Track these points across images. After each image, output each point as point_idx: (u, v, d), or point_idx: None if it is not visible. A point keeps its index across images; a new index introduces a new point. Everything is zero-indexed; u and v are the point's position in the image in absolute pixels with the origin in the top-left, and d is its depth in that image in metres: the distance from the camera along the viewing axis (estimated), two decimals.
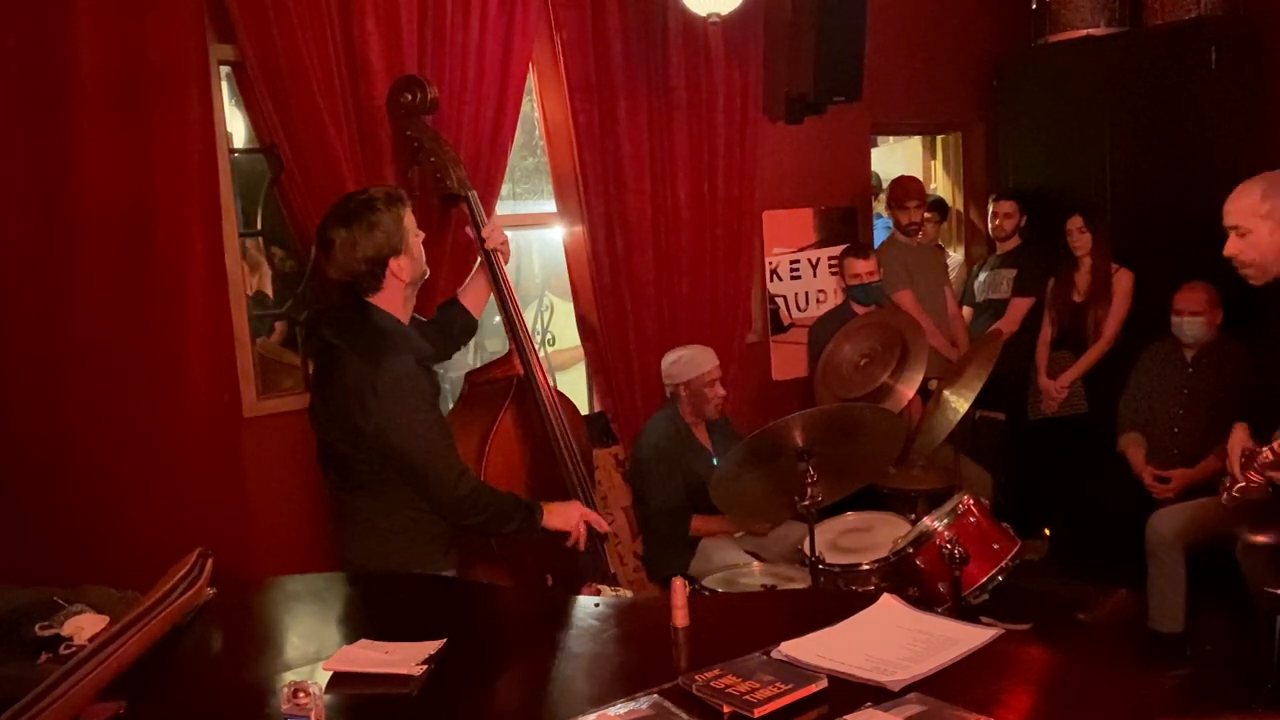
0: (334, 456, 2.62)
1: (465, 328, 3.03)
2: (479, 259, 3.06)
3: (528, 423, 2.99)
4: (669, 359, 4.09)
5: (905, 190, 5.08)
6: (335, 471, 2.65)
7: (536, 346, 4.51)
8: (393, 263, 2.58)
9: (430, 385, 2.65)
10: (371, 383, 2.48)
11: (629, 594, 2.79)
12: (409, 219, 2.64)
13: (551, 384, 3.16)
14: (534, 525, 2.72)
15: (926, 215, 5.41)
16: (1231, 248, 2.96)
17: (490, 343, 4.57)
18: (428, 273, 2.72)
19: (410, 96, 3.11)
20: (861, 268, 4.56)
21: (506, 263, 3.08)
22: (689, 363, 4.02)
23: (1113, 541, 4.31)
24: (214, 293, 3.12)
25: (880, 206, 5.95)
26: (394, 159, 3.35)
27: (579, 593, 2.78)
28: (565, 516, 2.78)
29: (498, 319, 3.77)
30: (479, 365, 3.41)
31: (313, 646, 2.01)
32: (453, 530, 2.65)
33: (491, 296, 3.06)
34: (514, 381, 3.01)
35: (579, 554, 2.87)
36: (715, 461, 3.99)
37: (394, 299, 2.63)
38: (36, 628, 2.00)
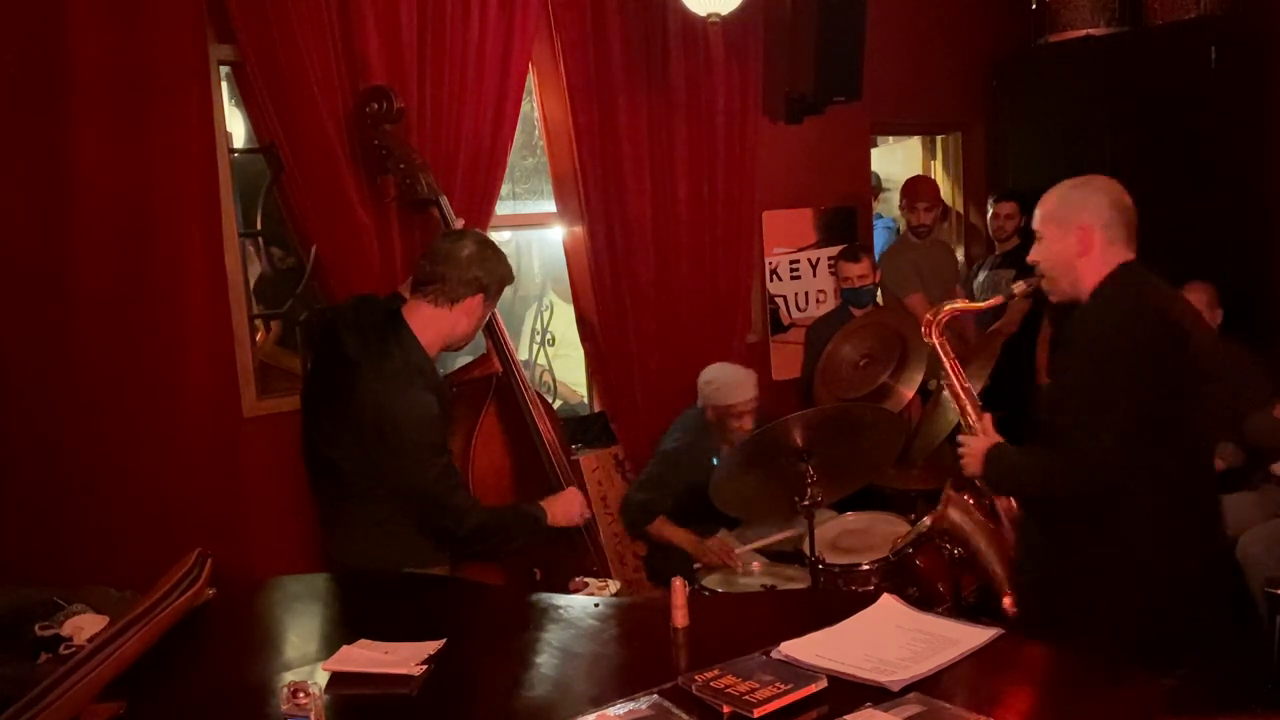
0: (328, 465, 2.62)
1: None
2: None
3: (509, 419, 3.01)
4: (705, 375, 3.86)
5: (915, 191, 5.08)
6: (328, 479, 2.65)
7: (535, 347, 4.56)
8: (477, 298, 2.67)
9: (447, 424, 2.68)
10: (392, 417, 2.49)
11: (617, 584, 2.80)
12: (496, 302, 2.79)
13: (546, 382, 3.18)
14: (539, 534, 2.74)
15: None
16: (1033, 254, 2.60)
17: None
18: (465, 346, 2.80)
19: (376, 106, 3.14)
20: (853, 271, 4.55)
21: None
22: (722, 389, 3.78)
23: None
24: (214, 292, 3.12)
25: (880, 206, 5.95)
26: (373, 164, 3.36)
27: (567, 585, 2.80)
28: (567, 512, 2.83)
29: None
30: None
31: (312, 646, 2.01)
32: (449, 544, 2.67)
33: None
34: (493, 380, 3.02)
35: (566, 547, 2.88)
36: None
37: (437, 332, 2.66)
38: (36, 627, 2.01)
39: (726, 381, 3.79)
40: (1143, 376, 2.25)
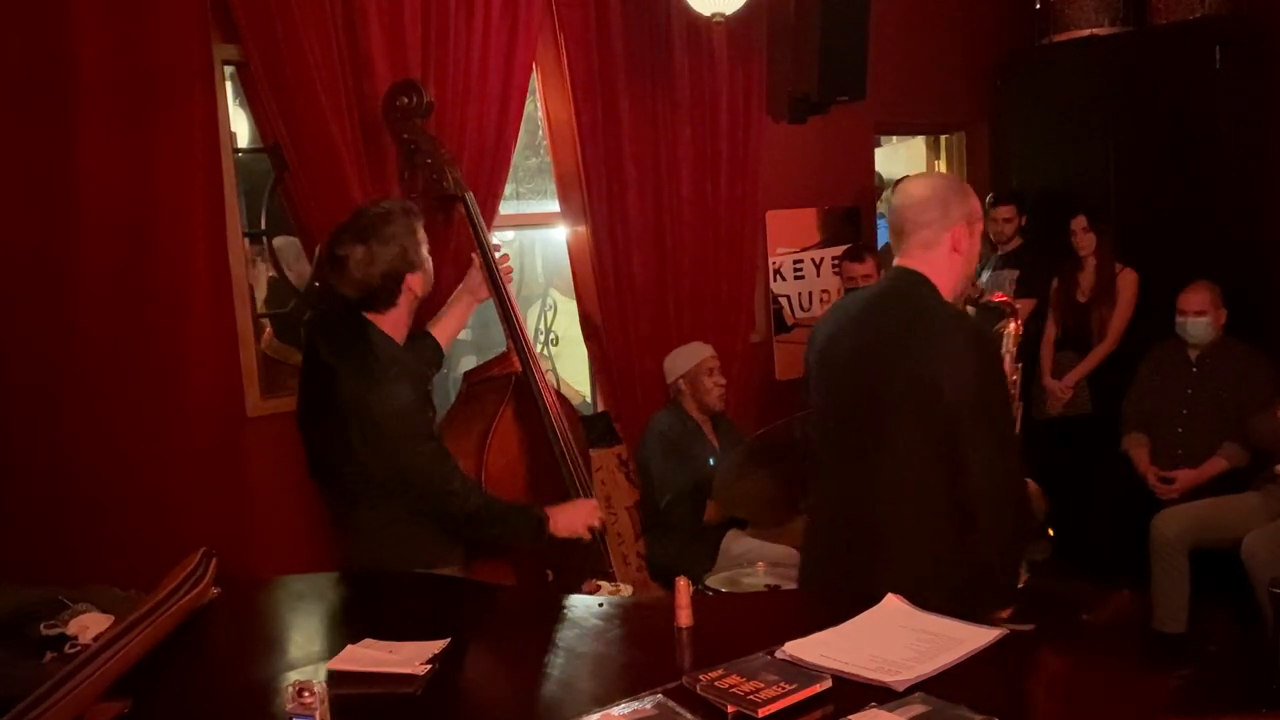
0: (329, 473, 2.62)
1: (434, 360, 2.98)
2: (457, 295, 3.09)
3: (526, 420, 3.00)
4: (668, 357, 4.13)
5: None
6: (331, 487, 2.65)
7: (539, 346, 4.56)
8: (409, 278, 2.60)
9: (427, 410, 2.66)
10: (369, 413, 2.49)
11: (629, 589, 2.80)
12: (421, 233, 2.65)
13: (550, 382, 3.17)
14: (540, 538, 2.73)
15: None
16: None
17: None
18: (432, 285, 2.74)
19: (406, 100, 3.12)
20: (857, 270, 4.56)
21: (510, 280, 3.10)
22: (684, 355, 4.08)
23: (1117, 542, 4.31)
24: (217, 292, 3.12)
25: (884, 206, 5.94)
26: (398, 158, 3.35)
27: (579, 588, 2.79)
28: (571, 523, 2.78)
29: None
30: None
31: (317, 646, 2.01)
32: (454, 530, 2.66)
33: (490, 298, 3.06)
34: (512, 379, 3.01)
35: (579, 550, 2.88)
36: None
37: (399, 317, 2.64)
38: (42, 627, 2.01)
39: (686, 349, 4.11)
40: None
